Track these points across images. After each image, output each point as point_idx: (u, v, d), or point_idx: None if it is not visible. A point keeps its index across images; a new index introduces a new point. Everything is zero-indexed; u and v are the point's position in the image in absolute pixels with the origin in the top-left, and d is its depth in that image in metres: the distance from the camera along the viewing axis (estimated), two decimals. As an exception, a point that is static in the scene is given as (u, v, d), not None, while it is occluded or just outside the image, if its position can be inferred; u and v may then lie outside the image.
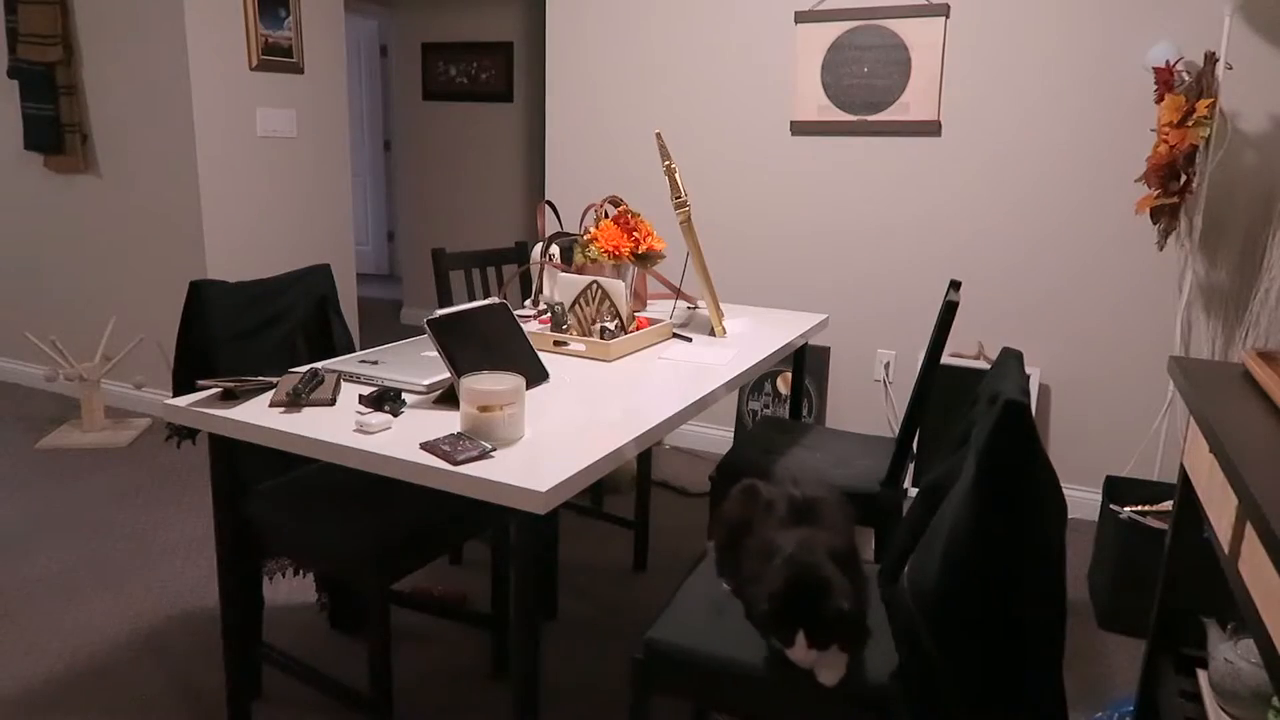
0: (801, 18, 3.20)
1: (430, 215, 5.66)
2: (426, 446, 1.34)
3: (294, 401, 1.53)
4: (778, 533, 1.36)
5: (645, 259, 2.18)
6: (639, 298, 2.45)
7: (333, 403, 1.55)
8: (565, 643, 2.24)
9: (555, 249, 2.34)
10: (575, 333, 2.05)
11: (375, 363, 1.76)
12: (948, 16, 3.00)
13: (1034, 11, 2.89)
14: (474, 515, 1.85)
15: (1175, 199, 2.51)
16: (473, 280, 2.65)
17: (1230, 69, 2.59)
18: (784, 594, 1.24)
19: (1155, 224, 2.60)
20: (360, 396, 1.54)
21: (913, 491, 3.12)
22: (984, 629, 1.15)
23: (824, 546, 1.30)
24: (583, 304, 2.05)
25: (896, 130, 3.13)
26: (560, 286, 2.08)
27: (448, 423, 1.48)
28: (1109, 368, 2.96)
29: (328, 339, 2.14)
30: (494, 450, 1.35)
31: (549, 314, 2.11)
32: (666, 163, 2.15)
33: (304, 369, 1.70)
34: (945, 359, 3.09)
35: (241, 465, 1.76)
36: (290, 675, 2.04)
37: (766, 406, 3.50)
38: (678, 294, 2.49)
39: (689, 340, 2.15)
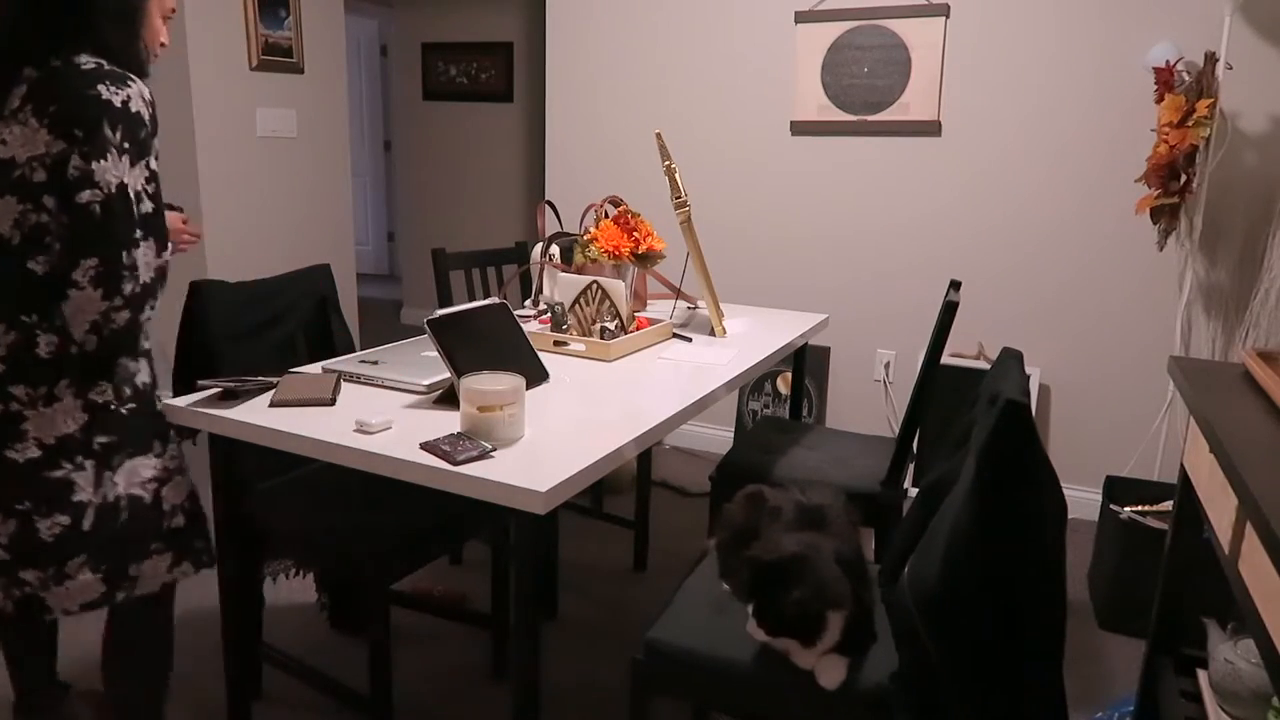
0: (801, 18, 3.20)
1: (430, 215, 5.66)
2: (426, 446, 1.34)
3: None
4: (783, 536, 1.36)
5: (645, 259, 2.18)
6: (639, 298, 2.45)
7: (333, 403, 1.55)
8: (565, 643, 2.24)
9: (555, 249, 2.34)
10: (575, 333, 2.05)
11: (375, 363, 1.76)
12: (948, 16, 3.00)
13: (1034, 11, 2.89)
14: (474, 515, 1.85)
15: (1175, 199, 2.51)
16: (473, 280, 2.65)
17: (1230, 69, 2.59)
18: (751, 565, 1.28)
19: (1155, 224, 2.60)
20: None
21: (913, 491, 3.12)
22: (984, 629, 1.15)
23: (829, 551, 1.30)
24: (583, 304, 2.05)
25: (896, 130, 3.13)
26: (560, 286, 2.08)
27: (448, 423, 1.48)
28: (1109, 368, 2.96)
29: (328, 339, 2.13)
30: (494, 450, 1.35)
31: (549, 314, 2.11)
32: (666, 163, 2.15)
33: (307, 367, 1.70)
34: (945, 359, 3.09)
35: (241, 464, 1.75)
36: (290, 675, 2.04)
37: (766, 406, 3.50)
38: (678, 294, 2.49)
39: (689, 340, 2.15)
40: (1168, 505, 2.41)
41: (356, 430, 1.42)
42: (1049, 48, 2.88)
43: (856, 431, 2.69)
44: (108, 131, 1.37)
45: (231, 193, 3.64)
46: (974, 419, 1.36)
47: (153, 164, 1.47)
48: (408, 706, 1.97)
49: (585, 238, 2.19)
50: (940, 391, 3.06)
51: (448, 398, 1.59)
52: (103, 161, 1.37)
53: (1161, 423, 2.84)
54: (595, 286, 2.03)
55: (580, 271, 2.24)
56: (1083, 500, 3.03)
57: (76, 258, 1.36)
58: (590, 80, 3.67)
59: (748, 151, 3.41)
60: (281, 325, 2.03)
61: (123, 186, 1.39)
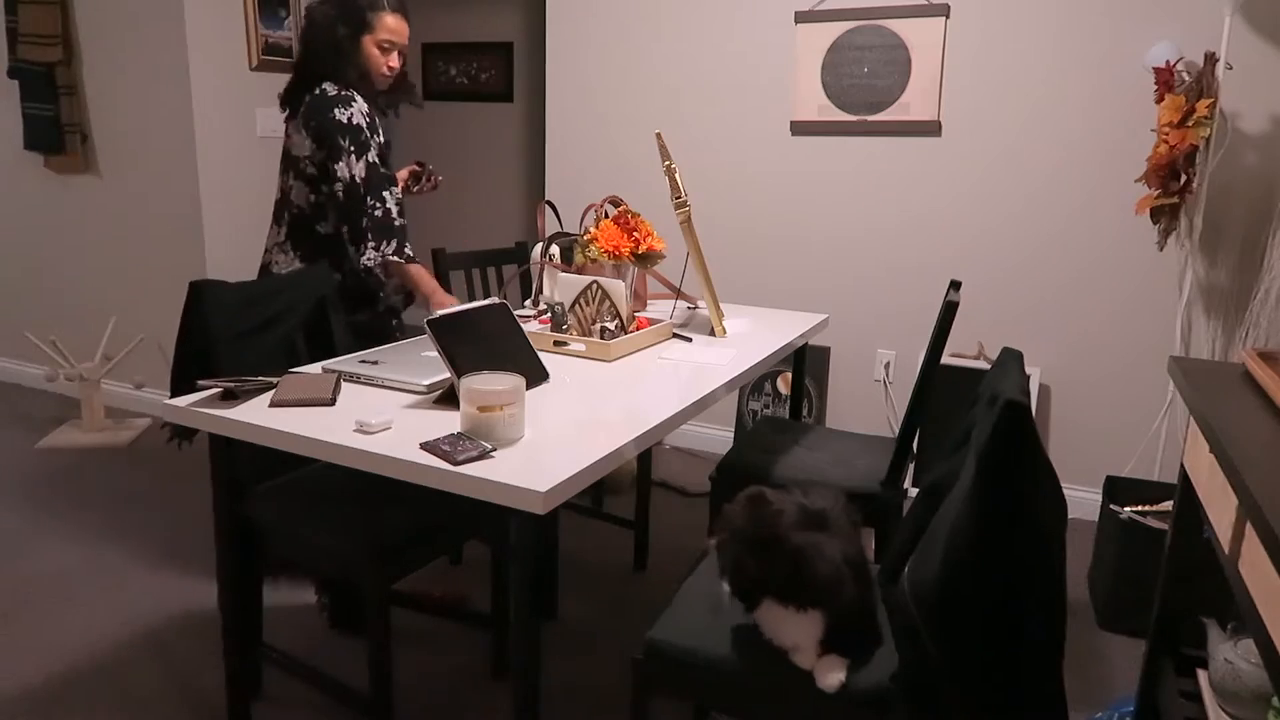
0: (801, 18, 3.20)
1: (430, 215, 5.66)
2: (426, 446, 1.34)
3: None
4: (794, 533, 1.36)
5: (645, 259, 2.18)
6: (639, 298, 2.45)
7: (333, 403, 1.55)
8: (565, 643, 2.24)
9: (555, 249, 2.34)
10: (575, 333, 2.05)
11: (375, 363, 1.76)
12: (948, 16, 3.00)
13: (1034, 11, 2.89)
14: (474, 515, 1.85)
15: (1175, 199, 2.51)
16: (473, 280, 2.65)
17: (1230, 69, 2.59)
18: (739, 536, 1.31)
19: (1155, 224, 2.60)
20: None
21: (913, 491, 3.12)
22: (984, 629, 1.15)
23: (832, 553, 1.30)
24: (583, 304, 2.05)
25: (896, 130, 3.13)
26: (560, 286, 2.08)
27: (448, 423, 1.48)
28: (1109, 368, 2.96)
29: (328, 339, 2.13)
30: (494, 450, 1.35)
31: (549, 314, 2.11)
32: (666, 163, 2.15)
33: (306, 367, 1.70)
34: (945, 359, 3.09)
35: (239, 465, 1.75)
36: (290, 675, 2.04)
37: (766, 406, 3.50)
38: (678, 294, 2.49)
39: (689, 340, 2.15)
40: (1168, 505, 2.41)
41: (356, 430, 1.42)
42: (1049, 48, 2.88)
43: (856, 431, 2.69)
44: (341, 141, 2.16)
45: (231, 193, 3.63)
46: (974, 419, 1.36)
47: (371, 156, 2.20)
48: (408, 706, 1.97)
49: (585, 238, 2.19)
50: (940, 391, 3.06)
51: (448, 398, 1.59)
52: (340, 164, 2.17)
53: (1161, 423, 2.84)
54: (595, 286, 2.03)
55: (580, 271, 2.24)
56: (1083, 500, 3.03)
57: (339, 224, 2.24)
58: (590, 80, 3.67)
59: (748, 151, 3.41)
60: (281, 325, 2.03)
61: (353, 178, 2.18)
